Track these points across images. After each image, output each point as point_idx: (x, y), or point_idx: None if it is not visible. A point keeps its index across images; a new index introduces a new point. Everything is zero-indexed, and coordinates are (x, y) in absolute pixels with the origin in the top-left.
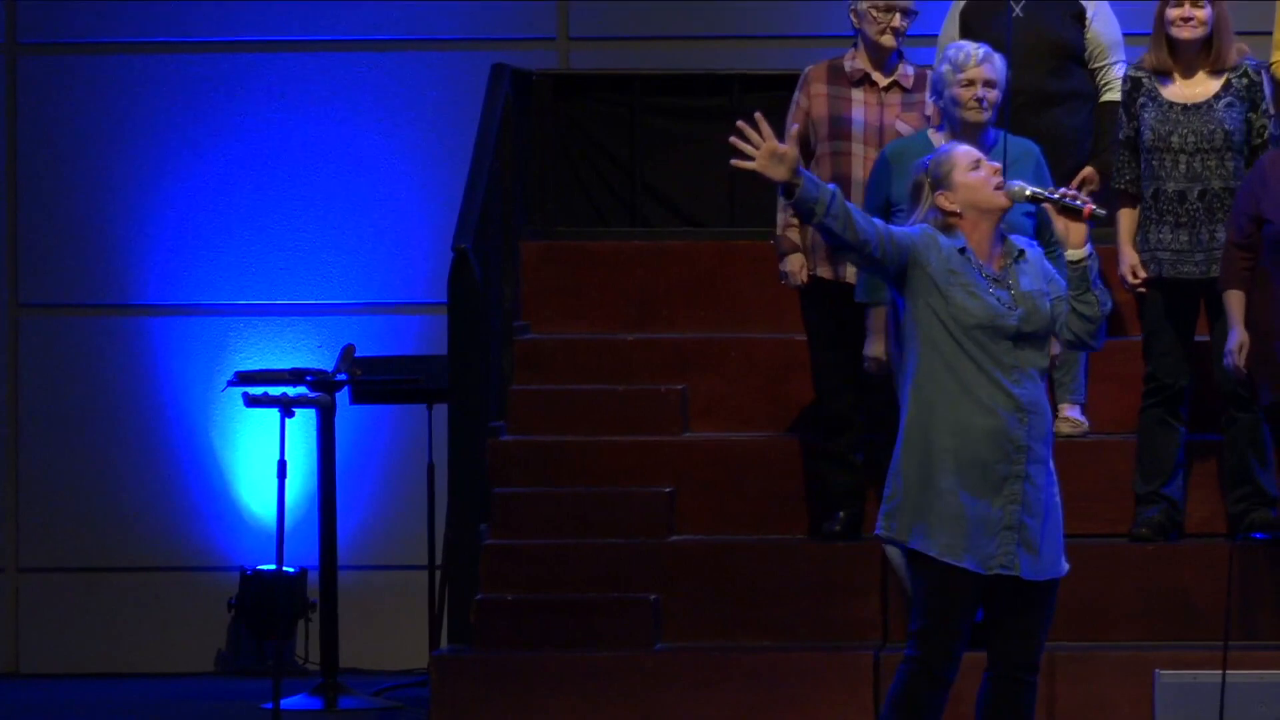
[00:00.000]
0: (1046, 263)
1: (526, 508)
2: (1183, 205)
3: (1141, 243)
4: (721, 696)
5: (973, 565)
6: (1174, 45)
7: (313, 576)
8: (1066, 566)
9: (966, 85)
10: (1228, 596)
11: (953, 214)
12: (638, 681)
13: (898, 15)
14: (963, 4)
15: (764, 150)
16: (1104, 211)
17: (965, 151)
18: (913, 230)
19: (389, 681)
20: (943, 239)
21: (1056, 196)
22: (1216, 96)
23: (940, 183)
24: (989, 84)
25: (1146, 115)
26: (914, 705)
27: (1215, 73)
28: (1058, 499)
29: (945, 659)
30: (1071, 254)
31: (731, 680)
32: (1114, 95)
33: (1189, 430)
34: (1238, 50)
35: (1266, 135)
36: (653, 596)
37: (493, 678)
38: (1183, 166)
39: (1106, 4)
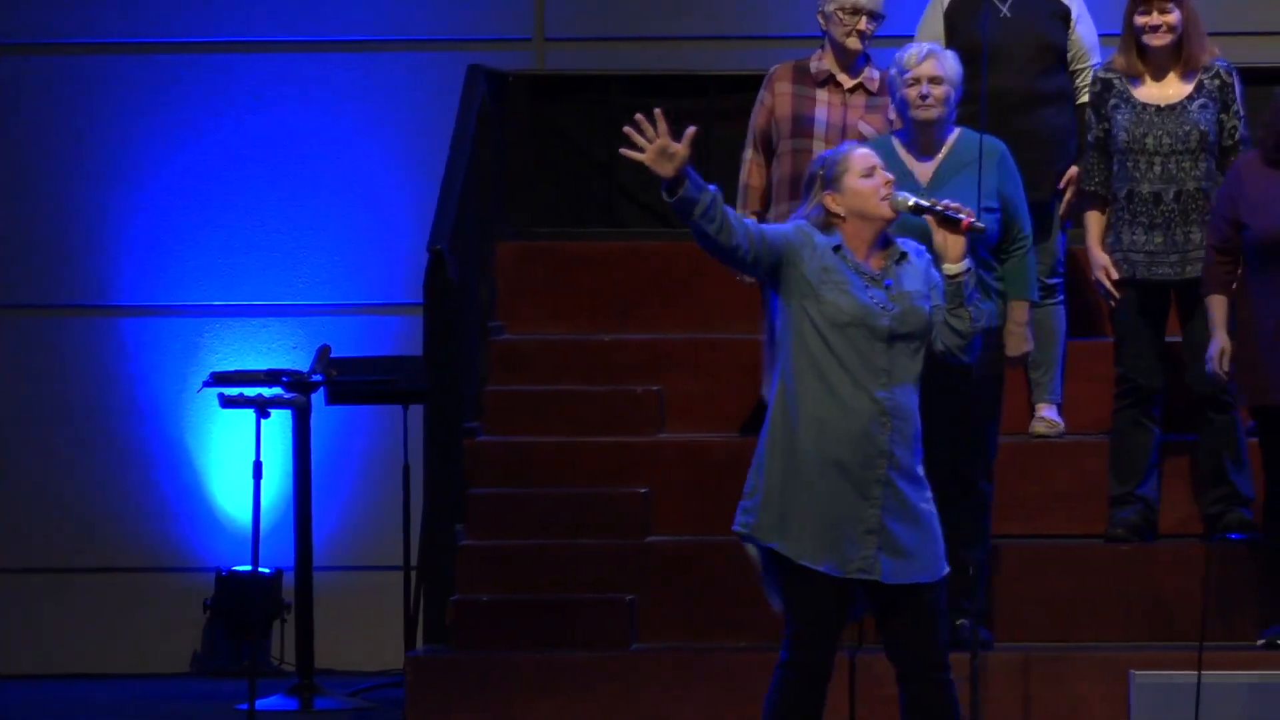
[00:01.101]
0: (934, 271)
1: (502, 508)
2: (1158, 207)
3: (1114, 244)
4: (697, 696)
5: (830, 569)
6: (1144, 49)
7: (288, 577)
8: (946, 569)
9: (912, 84)
10: (1203, 597)
11: (837, 216)
12: (614, 682)
13: (864, 19)
14: (946, 3)
15: (655, 145)
16: (983, 226)
17: (861, 156)
18: (788, 229)
19: (365, 682)
20: (819, 237)
21: (939, 209)
22: (1190, 98)
23: (831, 183)
24: (934, 80)
25: (1119, 117)
26: (792, 707)
27: (1187, 74)
28: (927, 505)
29: (816, 659)
30: (948, 268)
31: (707, 680)
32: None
33: (1163, 431)
34: (1209, 51)
35: (1237, 136)
36: (629, 597)
37: (468, 678)
38: (1157, 168)
39: (1085, 5)
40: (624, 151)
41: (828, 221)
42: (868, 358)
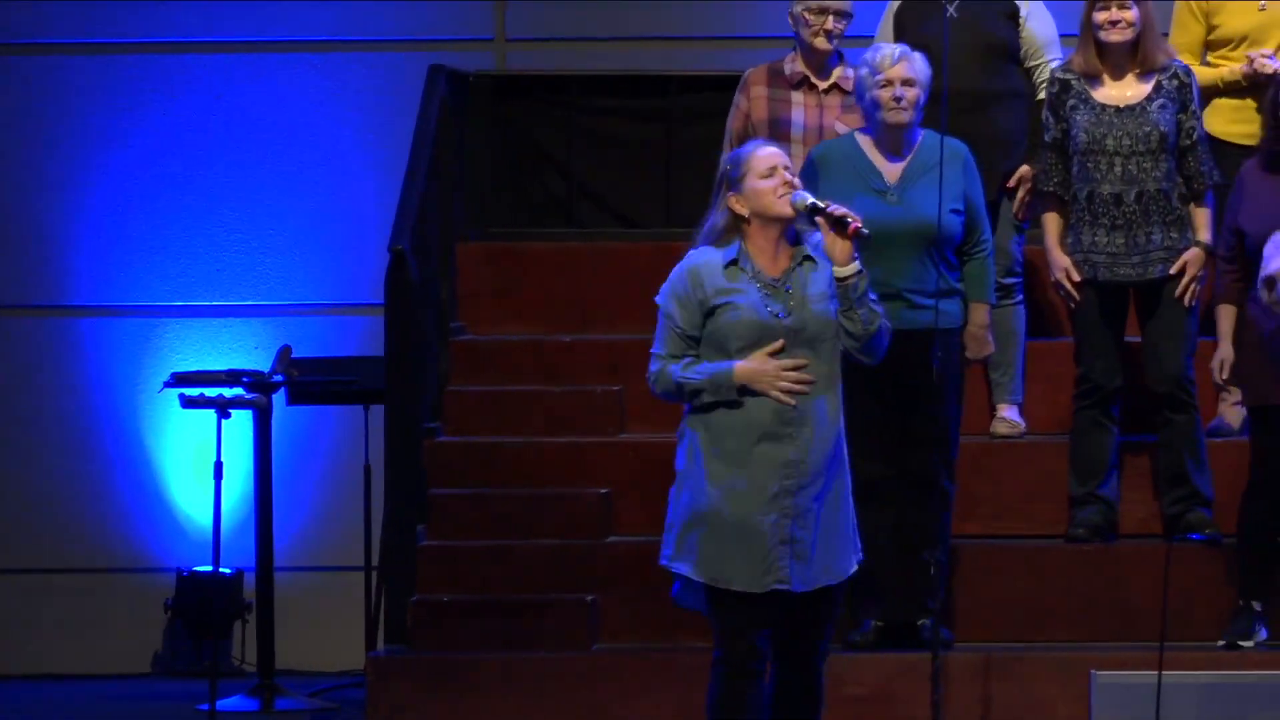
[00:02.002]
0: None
1: (463, 509)
2: (1119, 208)
3: (1074, 245)
4: (659, 697)
5: (743, 588)
6: (1102, 47)
7: (249, 578)
8: (854, 567)
9: (885, 86)
10: (1164, 597)
11: (741, 217)
12: (575, 682)
13: (830, 18)
14: (897, 5)
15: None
16: (868, 232)
17: (764, 156)
18: (685, 288)
19: (326, 683)
20: (711, 260)
21: (830, 212)
22: (1149, 98)
23: (734, 185)
24: (907, 83)
25: (1078, 117)
26: (730, 704)
27: (1145, 74)
28: (838, 506)
29: (746, 658)
30: (836, 270)
31: (669, 681)
32: None
33: (1123, 431)
34: (1165, 52)
35: (1195, 136)
36: (590, 597)
37: (429, 679)
38: (1118, 169)
39: (1041, 2)
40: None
41: (732, 224)
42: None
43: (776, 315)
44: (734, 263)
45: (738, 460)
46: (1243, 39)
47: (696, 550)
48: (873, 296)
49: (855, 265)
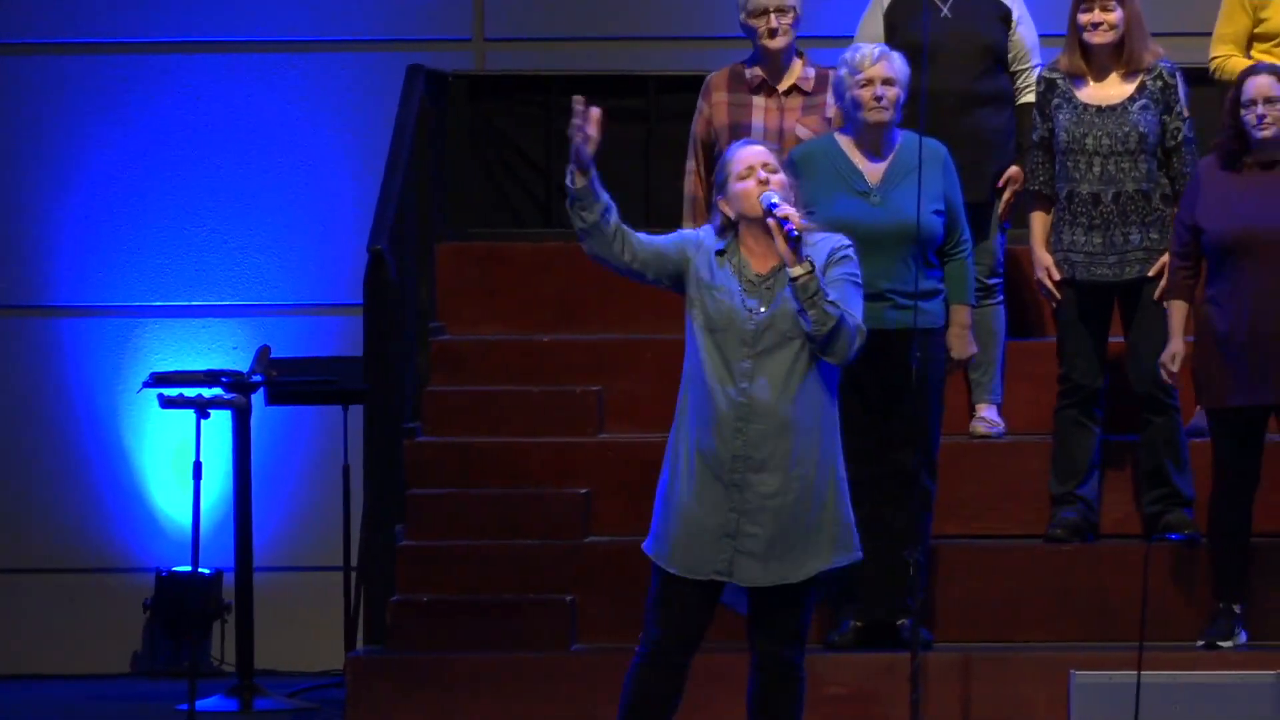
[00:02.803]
0: (841, 268)
1: (442, 509)
2: (1096, 208)
3: (1055, 244)
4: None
5: (680, 571)
6: (1087, 48)
7: (228, 578)
8: (822, 567)
9: (865, 85)
10: (1143, 597)
11: (729, 220)
12: (554, 682)
13: (772, 16)
14: (886, 3)
15: (594, 118)
16: (799, 233)
17: (742, 158)
18: (685, 236)
19: (305, 683)
20: (708, 242)
21: (775, 213)
22: (1131, 99)
23: (720, 188)
24: (887, 82)
25: (1061, 117)
26: (643, 690)
27: (1129, 75)
28: (816, 512)
29: (669, 646)
30: (788, 270)
31: None
32: (1032, 97)
33: (1104, 431)
34: (1152, 52)
35: (1180, 138)
36: (569, 597)
37: (408, 679)
38: (1097, 169)
39: (1025, 7)
40: (576, 122)
41: (727, 224)
42: (733, 361)
43: (750, 309)
44: (722, 253)
45: (696, 449)
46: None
47: (656, 531)
48: (832, 298)
49: (804, 266)
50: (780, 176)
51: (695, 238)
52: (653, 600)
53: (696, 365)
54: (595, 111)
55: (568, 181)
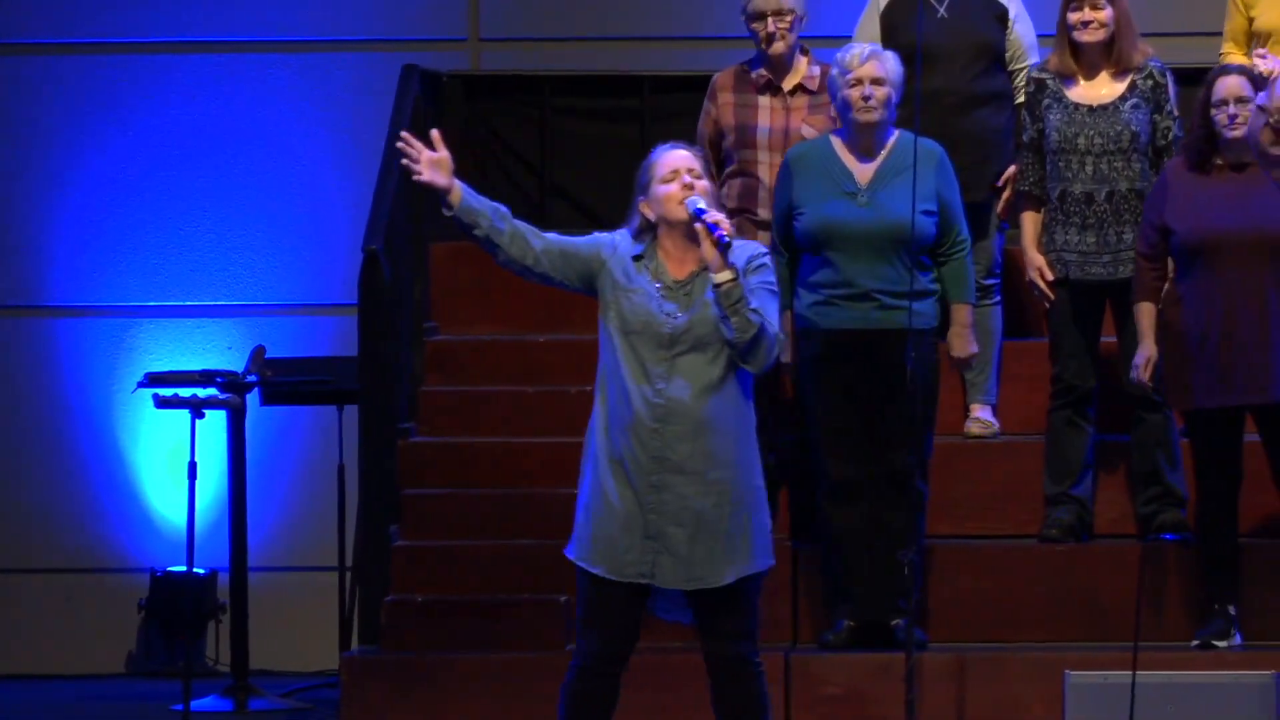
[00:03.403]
0: (751, 278)
1: (437, 509)
2: (1090, 207)
3: (1047, 244)
4: (631, 697)
5: (604, 572)
6: (1077, 47)
7: (223, 578)
8: (751, 569)
9: (854, 85)
10: (1138, 597)
11: (649, 222)
12: (549, 682)
13: (770, 20)
14: (884, 3)
15: (425, 160)
16: (729, 239)
17: (666, 160)
18: (597, 240)
19: (299, 683)
20: (623, 246)
21: (703, 219)
22: (1122, 98)
23: (643, 190)
24: (876, 82)
25: (1052, 117)
26: (578, 699)
27: (1119, 74)
28: (735, 517)
29: (601, 655)
30: (712, 276)
31: (641, 681)
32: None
33: (1097, 431)
34: (1141, 51)
35: (1170, 137)
36: (563, 598)
37: (403, 679)
38: (1089, 168)
39: (1023, 5)
40: (414, 178)
41: (646, 226)
42: (649, 364)
43: (668, 314)
44: (640, 258)
45: (614, 451)
46: (1270, 34)
47: (577, 533)
48: (753, 306)
49: (729, 273)
50: (704, 183)
51: (610, 241)
52: (582, 609)
53: (613, 367)
54: (425, 154)
55: (443, 210)
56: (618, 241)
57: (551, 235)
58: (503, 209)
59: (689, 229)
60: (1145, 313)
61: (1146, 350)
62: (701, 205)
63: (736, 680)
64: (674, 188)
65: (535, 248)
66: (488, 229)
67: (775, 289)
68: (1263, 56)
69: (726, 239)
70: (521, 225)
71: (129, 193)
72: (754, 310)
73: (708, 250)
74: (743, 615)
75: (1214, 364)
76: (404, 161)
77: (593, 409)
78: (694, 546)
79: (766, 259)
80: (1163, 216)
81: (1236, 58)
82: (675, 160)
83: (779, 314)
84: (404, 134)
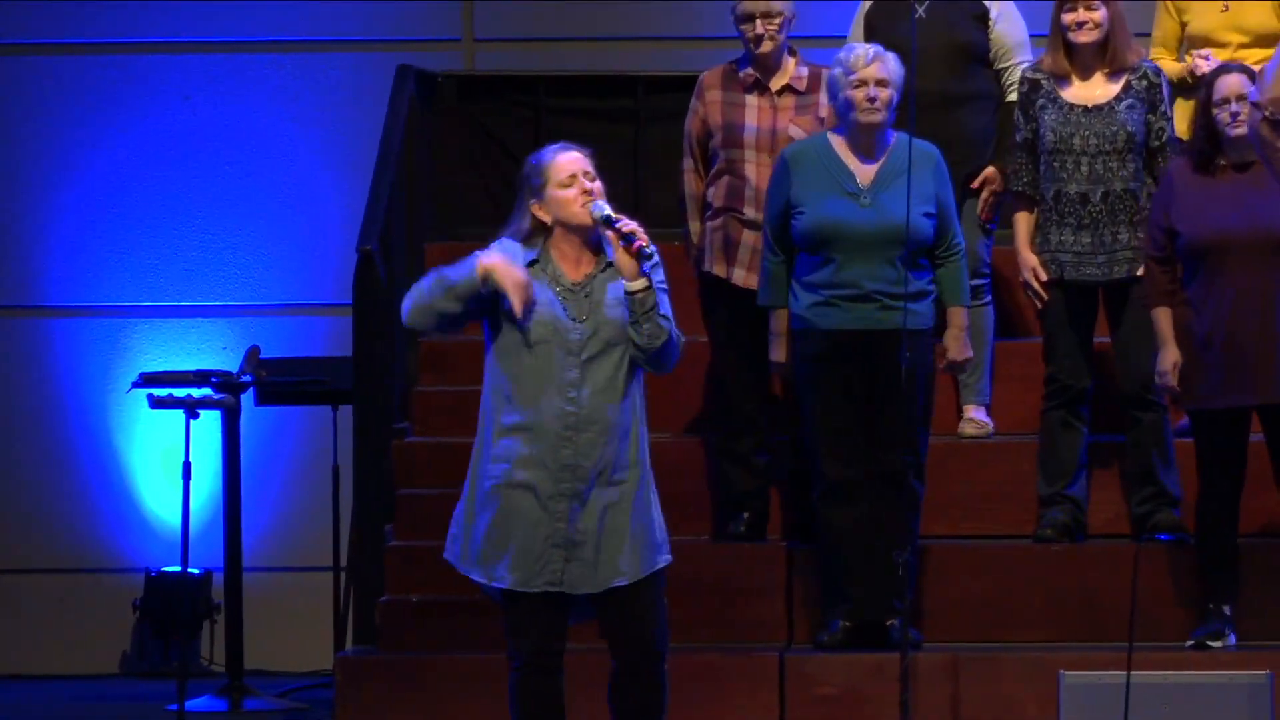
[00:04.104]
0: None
1: (431, 509)
2: (1085, 207)
3: (1042, 244)
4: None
5: (515, 585)
6: (1071, 48)
7: (218, 578)
8: (655, 566)
9: (858, 86)
10: (1132, 597)
11: (544, 225)
12: None
13: (759, 22)
14: (868, 6)
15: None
16: (652, 250)
17: (563, 164)
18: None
19: (294, 683)
20: (513, 256)
21: (619, 227)
22: (1118, 98)
23: (536, 192)
24: (881, 83)
25: (1047, 117)
26: (527, 698)
27: (1114, 74)
28: (635, 515)
29: (537, 658)
30: (625, 284)
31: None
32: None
33: (1091, 431)
34: (1135, 52)
35: (1165, 137)
36: None
37: (397, 679)
38: (1084, 168)
39: (1011, 4)
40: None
41: (537, 228)
42: (558, 373)
43: (571, 319)
44: (535, 263)
45: (518, 465)
46: (1205, 38)
47: (479, 547)
48: (664, 312)
49: (644, 281)
50: (599, 184)
51: (505, 250)
52: (505, 619)
53: (511, 388)
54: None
55: (482, 289)
56: (507, 251)
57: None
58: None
59: (590, 233)
60: (1163, 317)
61: (1171, 355)
62: (609, 211)
63: (640, 677)
64: (574, 192)
65: (460, 301)
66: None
67: (667, 287)
68: (1205, 58)
69: (648, 250)
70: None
71: (124, 193)
72: (664, 316)
73: (622, 258)
74: (649, 613)
75: (1220, 364)
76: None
77: (482, 419)
78: (601, 550)
79: (656, 258)
80: (1169, 219)
81: (1167, 62)
82: (571, 163)
83: (671, 311)
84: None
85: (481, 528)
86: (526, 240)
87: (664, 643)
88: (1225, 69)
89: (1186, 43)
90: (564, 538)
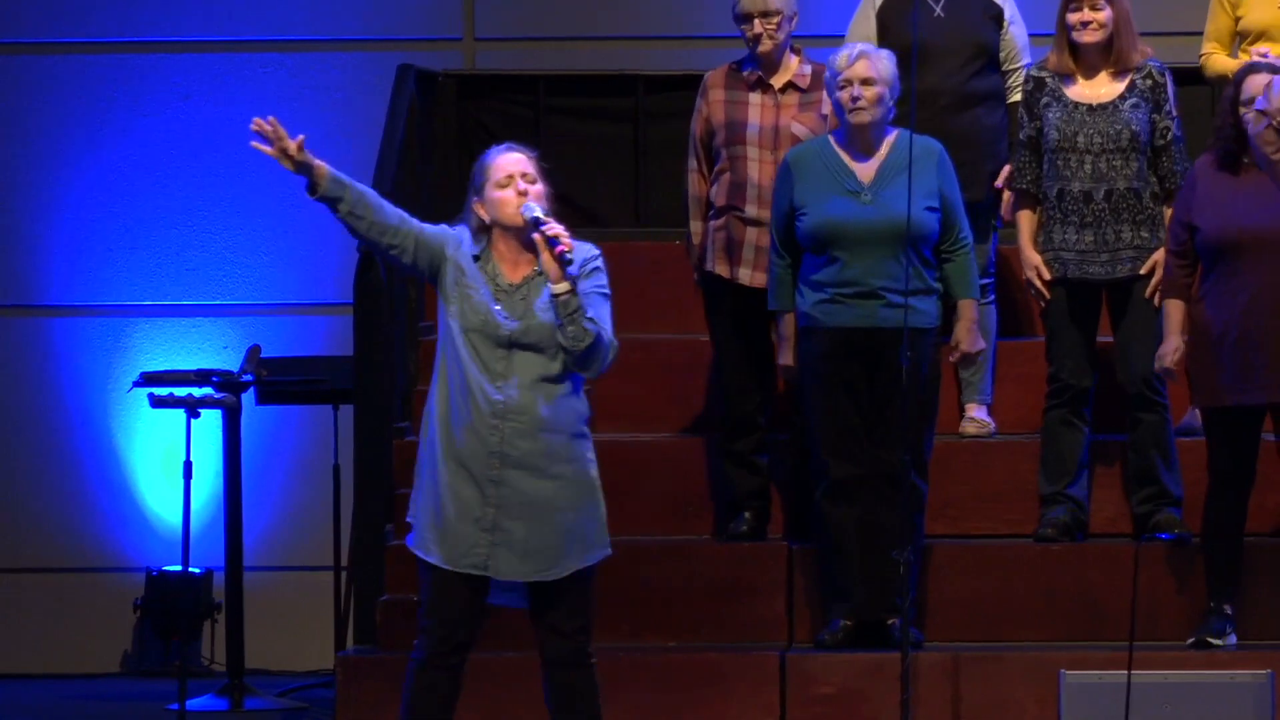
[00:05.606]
0: (584, 283)
1: None
2: (1088, 205)
3: (1045, 243)
4: (627, 698)
5: (441, 560)
6: (1076, 47)
7: (219, 577)
8: (585, 563)
9: (843, 87)
10: (1133, 597)
11: (484, 224)
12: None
13: (758, 21)
14: (879, 3)
15: (276, 148)
16: (572, 256)
17: (501, 164)
18: (448, 234)
19: (295, 682)
20: (465, 242)
21: (544, 230)
22: (1122, 97)
23: (477, 191)
24: (866, 82)
25: (1051, 115)
26: (419, 692)
27: (1119, 74)
28: (568, 512)
29: (441, 646)
30: (551, 286)
31: (637, 681)
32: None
33: (1093, 431)
34: (1140, 51)
35: (1170, 136)
36: None
37: (398, 678)
38: (1088, 167)
39: (1017, 7)
40: (253, 144)
41: (480, 227)
42: (488, 361)
43: (505, 316)
44: (478, 258)
45: (454, 443)
46: (1261, 33)
47: (416, 522)
48: (591, 316)
49: (566, 285)
50: (539, 187)
51: (456, 236)
52: (423, 598)
53: (455, 361)
54: (267, 127)
55: (310, 195)
56: (461, 237)
57: (412, 219)
58: (362, 191)
59: (525, 235)
60: (1174, 308)
61: (1175, 343)
62: (539, 214)
63: (569, 673)
64: (509, 193)
65: (396, 233)
66: (345, 214)
67: (607, 292)
68: (1263, 55)
69: (568, 255)
70: (383, 205)
71: (124, 192)
72: (590, 319)
73: (547, 261)
74: (577, 608)
75: (1235, 362)
76: (253, 144)
77: (430, 393)
78: (531, 540)
79: (599, 262)
80: (1190, 214)
81: (1219, 57)
82: (510, 164)
83: (611, 317)
84: (255, 120)
85: (420, 498)
86: (474, 237)
87: (584, 638)
88: (1254, 68)
89: (1239, 38)
90: (492, 522)
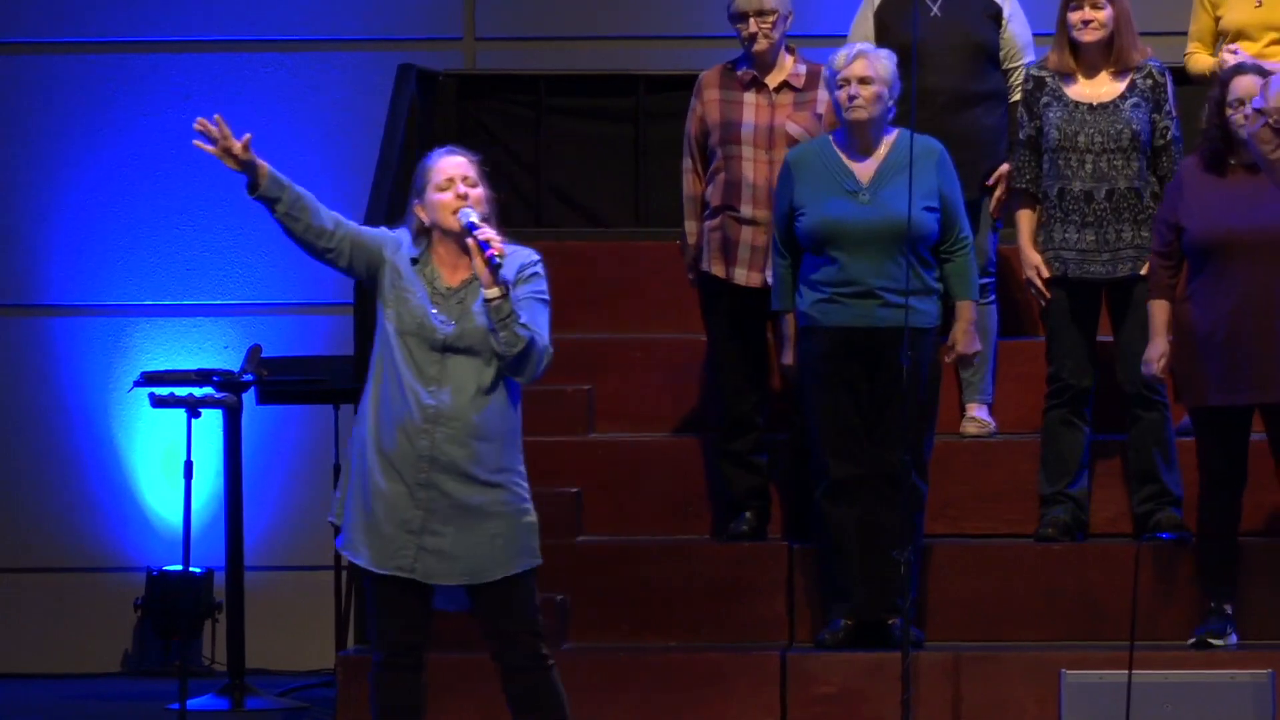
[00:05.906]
0: (521, 288)
1: None
2: (1089, 205)
3: (1045, 242)
4: (628, 697)
5: (367, 561)
6: (1076, 46)
7: (219, 577)
8: (519, 568)
9: (841, 86)
10: (1133, 597)
11: (424, 226)
12: None
13: (752, 20)
14: (877, 3)
15: (220, 146)
16: (500, 260)
17: (442, 167)
18: (384, 233)
19: (296, 682)
20: (405, 245)
21: (475, 235)
22: (1123, 96)
23: (419, 193)
24: (863, 81)
25: (1051, 115)
26: (383, 694)
27: (1119, 73)
28: (498, 520)
29: (393, 647)
30: (484, 292)
31: (638, 680)
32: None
33: (1093, 430)
34: (1140, 51)
35: (1169, 136)
36: (559, 597)
37: None
38: (1089, 166)
39: (1018, 4)
40: (195, 143)
41: (421, 229)
42: (423, 365)
43: (441, 321)
44: (416, 261)
45: (387, 443)
46: (1239, 33)
47: (346, 523)
48: (523, 320)
49: (498, 290)
50: (479, 191)
51: (395, 239)
52: (368, 599)
53: (390, 364)
54: (212, 128)
55: (249, 194)
56: (401, 240)
57: (348, 222)
58: (299, 194)
59: (462, 239)
60: (1159, 309)
61: (1160, 346)
62: (474, 219)
63: (527, 676)
64: (448, 196)
65: (331, 236)
66: (281, 215)
67: (545, 298)
68: (1234, 52)
69: (497, 260)
70: (319, 209)
71: (125, 192)
72: (523, 325)
73: (479, 266)
74: (521, 613)
75: (1223, 362)
76: (195, 142)
77: (364, 394)
78: (459, 545)
79: (538, 267)
80: (1176, 214)
81: (1201, 56)
82: (450, 167)
83: (549, 322)
84: (200, 119)
85: (350, 504)
86: (415, 239)
87: (535, 640)
88: (1240, 69)
89: (1220, 38)
90: (420, 525)
